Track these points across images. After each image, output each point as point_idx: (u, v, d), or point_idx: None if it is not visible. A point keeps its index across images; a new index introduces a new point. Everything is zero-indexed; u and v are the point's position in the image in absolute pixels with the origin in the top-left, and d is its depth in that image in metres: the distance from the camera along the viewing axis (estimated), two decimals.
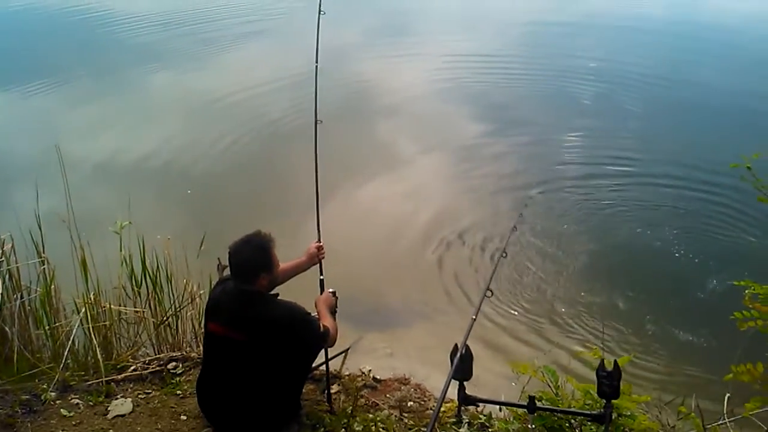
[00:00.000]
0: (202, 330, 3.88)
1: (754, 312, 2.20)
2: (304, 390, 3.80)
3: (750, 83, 10.70)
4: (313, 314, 3.63)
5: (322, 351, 3.83)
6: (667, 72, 11.13)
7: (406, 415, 3.89)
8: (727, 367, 2.22)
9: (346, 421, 3.58)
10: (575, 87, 10.62)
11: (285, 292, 3.67)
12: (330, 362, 4.02)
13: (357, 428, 3.58)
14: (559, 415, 2.96)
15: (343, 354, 4.56)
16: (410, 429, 3.68)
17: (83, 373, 4.10)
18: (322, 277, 4.12)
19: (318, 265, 4.13)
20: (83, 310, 4.14)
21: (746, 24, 14.01)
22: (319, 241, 4.17)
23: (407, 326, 5.54)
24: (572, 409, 2.91)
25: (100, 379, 3.97)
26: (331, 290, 4.01)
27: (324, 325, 3.58)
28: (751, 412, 2.40)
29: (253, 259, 3.43)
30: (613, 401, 2.73)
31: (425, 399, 4.14)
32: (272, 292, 3.57)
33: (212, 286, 3.75)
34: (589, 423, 2.93)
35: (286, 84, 10.12)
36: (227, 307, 3.44)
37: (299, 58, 9.47)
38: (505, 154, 8.46)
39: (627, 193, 7.49)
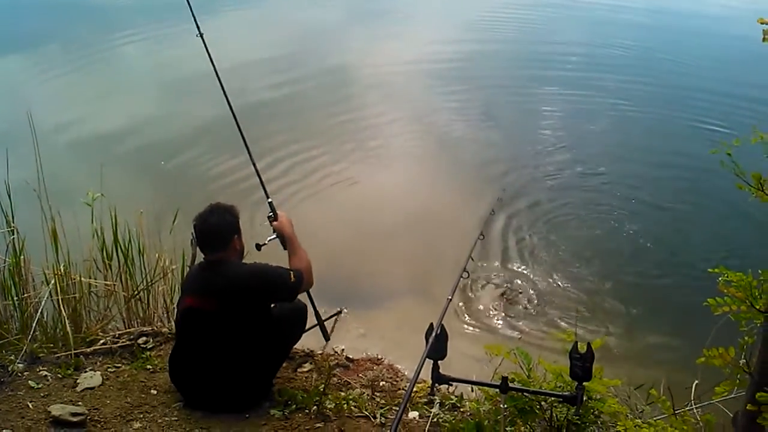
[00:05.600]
0: (174, 306, 3.85)
1: (727, 298, 2.20)
2: None
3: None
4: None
5: (312, 317, 3.89)
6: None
7: (378, 394, 3.90)
8: (700, 352, 2.24)
9: (318, 398, 3.57)
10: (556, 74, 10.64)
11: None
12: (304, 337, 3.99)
13: (329, 406, 3.57)
14: (530, 396, 2.97)
15: (335, 317, 4.51)
16: (382, 407, 3.68)
17: (52, 345, 4.04)
18: (270, 200, 3.97)
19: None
20: (53, 281, 4.08)
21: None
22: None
23: (381, 307, 5.53)
24: (545, 390, 2.92)
25: (69, 352, 3.92)
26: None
27: (295, 269, 3.54)
28: (720, 397, 2.43)
29: (225, 221, 3.45)
30: (584, 383, 2.75)
31: (397, 379, 4.15)
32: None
33: (185, 263, 3.72)
34: (560, 404, 2.94)
35: (265, 58, 9.99)
36: (200, 280, 3.47)
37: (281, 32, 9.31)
38: (484, 137, 8.46)
39: (601, 180, 7.54)
